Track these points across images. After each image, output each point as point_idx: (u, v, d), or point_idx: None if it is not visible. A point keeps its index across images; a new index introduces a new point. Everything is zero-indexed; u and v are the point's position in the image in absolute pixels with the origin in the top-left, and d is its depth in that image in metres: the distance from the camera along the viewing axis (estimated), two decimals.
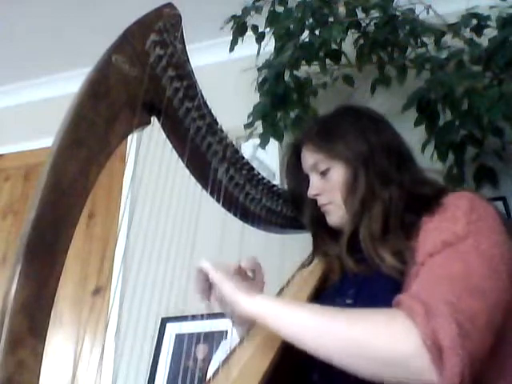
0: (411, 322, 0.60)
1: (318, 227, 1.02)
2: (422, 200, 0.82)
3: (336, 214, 0.94)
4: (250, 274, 0.92)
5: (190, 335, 1.64)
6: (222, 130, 0.80)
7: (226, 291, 0.76)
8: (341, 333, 0.65)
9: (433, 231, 0.75)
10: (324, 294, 0.94)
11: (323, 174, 0.94)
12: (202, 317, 1.44)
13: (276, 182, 1.04)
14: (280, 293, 0.99)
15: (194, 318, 1.53)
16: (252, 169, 0.92)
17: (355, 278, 0.87)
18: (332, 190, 0.92)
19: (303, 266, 1.06)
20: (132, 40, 0.63)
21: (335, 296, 0.89)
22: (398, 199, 0.84)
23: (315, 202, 0.98)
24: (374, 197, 0.86)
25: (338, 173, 0.91)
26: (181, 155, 0.76)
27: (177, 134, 0.75)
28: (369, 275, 0.83)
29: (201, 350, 1.61)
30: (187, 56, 0.75)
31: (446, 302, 0.60)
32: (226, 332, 1.57)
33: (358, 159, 0.89)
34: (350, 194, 0.89)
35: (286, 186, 1.06)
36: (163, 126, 0.71)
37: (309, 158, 0.96)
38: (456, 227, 0.72)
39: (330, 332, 0.65)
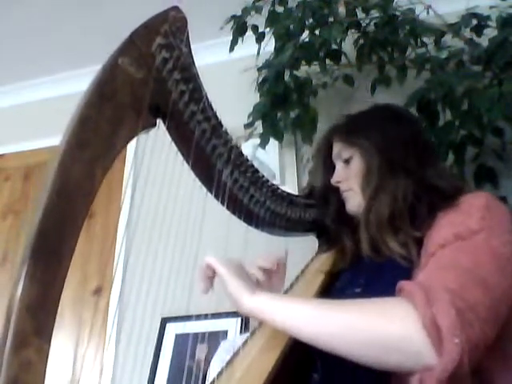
0: (410, 305, 0.60)
1: (340, 218, 1.04)
2: (438, 193, 0.85)
3: (353, 200, 0.98)
4: (261, 273, 0.94)
5: (190, 335, 1.64)
6: (226, 133, 0.80)
7: (230, 288, 0.77)
8: (337, 319, 0.65)
9: (446, 225, 0.77)
10: (335, 286, 0.95)
11: (347, 162, 0.99)
12: (202, 317, 1.45)
13: (276, 182, 1.04)
14: (290, 288, 1.00)
15: (194, 317, 1.53)
16: (256, 171, 0.92)
17: (367, 267, 0.89)
18: (351, 178, 0.98)
19: (318, 253, 1.08)
20: (138, 43, 0.63)
21: (346, 288, 0.90)
22: (410, 189, 0.87)
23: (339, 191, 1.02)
24: (384, 185, 0.90)
25: (357, 161, 0.97)
26: (186, 158, 0.76)
27: (182, 137, 0.75)
28: (381, 265, 0.85)
29: (201, 350, 1.61)
30: (193, 59, 0.75)
31: (448, 288, 0.61)
32: (226, 332, 1.58)
33: (374, 149, 0.93)
34: (365, 182, 0.94)
35: (313, 180, 1.10)
36: (168, 128, 0.71)
37: (335, 147, 1.03)
38: (470, 221, 0.74)
39: (326, 319, 0.66)
